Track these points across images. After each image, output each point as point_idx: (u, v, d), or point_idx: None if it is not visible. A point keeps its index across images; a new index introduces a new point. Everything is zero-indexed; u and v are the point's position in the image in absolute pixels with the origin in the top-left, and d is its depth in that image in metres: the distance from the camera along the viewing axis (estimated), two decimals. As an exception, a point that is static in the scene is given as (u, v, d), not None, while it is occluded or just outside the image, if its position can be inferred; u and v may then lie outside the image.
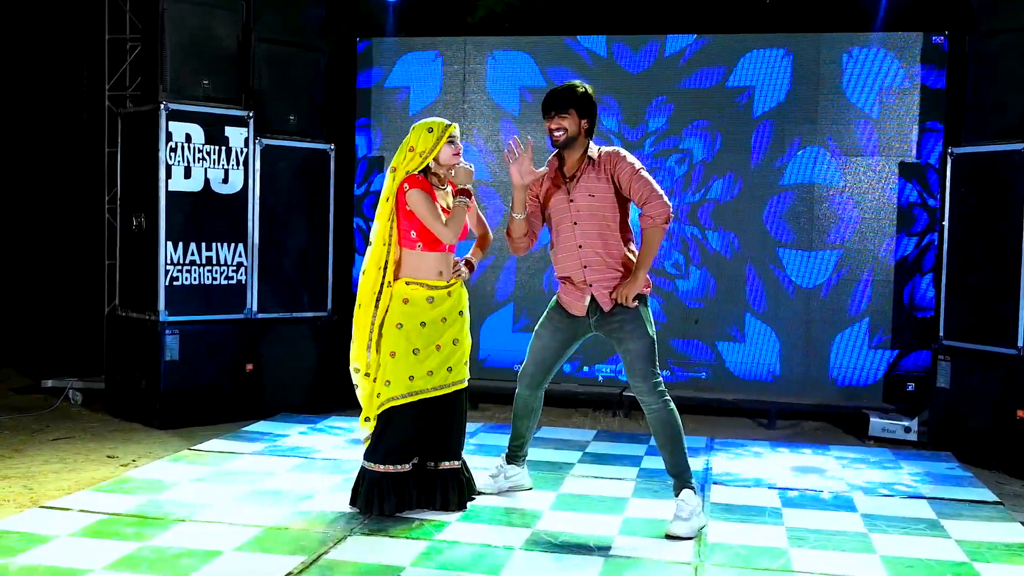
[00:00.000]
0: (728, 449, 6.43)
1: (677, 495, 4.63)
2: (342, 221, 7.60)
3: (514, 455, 5.23)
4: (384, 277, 4.81)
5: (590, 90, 4.80)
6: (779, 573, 4.11)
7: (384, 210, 4.83)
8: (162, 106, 6.63)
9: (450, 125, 4.85)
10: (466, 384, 4.94)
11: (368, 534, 4.46)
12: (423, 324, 4.78)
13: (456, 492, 4.89)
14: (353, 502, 4.84)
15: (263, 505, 4.86)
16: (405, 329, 4.76)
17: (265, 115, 7.18)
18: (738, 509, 5.02)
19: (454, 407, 4.89)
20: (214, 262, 6.91)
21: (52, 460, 5.78)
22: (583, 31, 7.97)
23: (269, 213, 7.20)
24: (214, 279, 6.91)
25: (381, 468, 4.76)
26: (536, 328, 5.03)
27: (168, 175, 6.68)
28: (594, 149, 4.80)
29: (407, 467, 4.82)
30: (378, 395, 4.79)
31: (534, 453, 6.05)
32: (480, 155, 8.10)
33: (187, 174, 6.77)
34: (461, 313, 4.91)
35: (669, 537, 4.50)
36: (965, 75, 6.64)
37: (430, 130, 4.81)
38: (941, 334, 6.59)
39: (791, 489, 5.45)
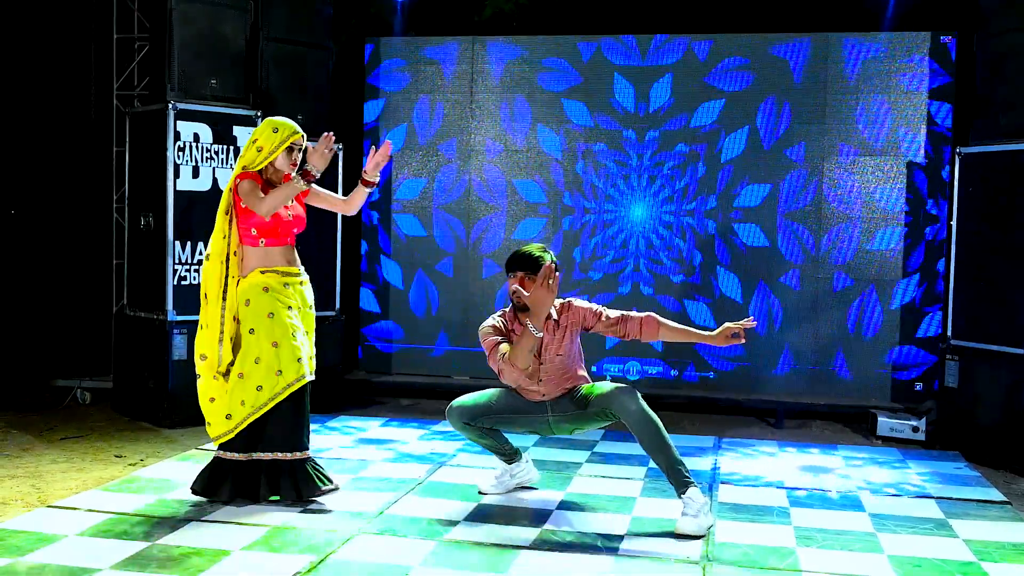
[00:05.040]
0: (736, 448, 6.42)
1: (683, 493, 4.61)
2: (350, 221, 7.60)
3: (508, 459, 5.23)
4: (228, 271, 4.84)
5: (554, 258, 4.83)
6: (787, 572, 4.11)
7: (223, 202, 4.86)
8: (170, 105, 6.64)
9: (296, 133, 4.83)
10: (311, 376, 4.91)
11: (376, 533, 4.47)
12: (290, 308, 4.84)
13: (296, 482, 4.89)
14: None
15: (271, 504, 4.86)
16: (277, 316, 4.79)
17: (273, 114, 7.13)
18: (746, 508, 5.02)
19: (302, 401, 4.89)
20: (222, 261, 6.91)
21: (60, 459, 5.79)
22: (591, 30, 7.97)
23: (277, 212, 7.20)
24: (222, 278, 6.92)
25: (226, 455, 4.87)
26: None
27: (176, 174, 6.70)
28: (553, 308, 4.88)
29: (246, 456, 4.87)
30: (259, 388, 4.76)
31: (542, 452, 6.06)
32: (488, 155, 8.11)
33: (195, 173, 6.78)
34: (311, 308, 5.00)
35: (678, 535, 4.50)
36: (973, 75, 6.63)
37: (275, 130, 4.81)
38: (949, 333, 6.58)
39: (799, 488, 5.45)
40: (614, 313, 4.89)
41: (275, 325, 4.78)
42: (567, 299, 4.95)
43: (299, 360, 4.78)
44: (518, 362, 4.64)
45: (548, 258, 4.78)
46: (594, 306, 4.93)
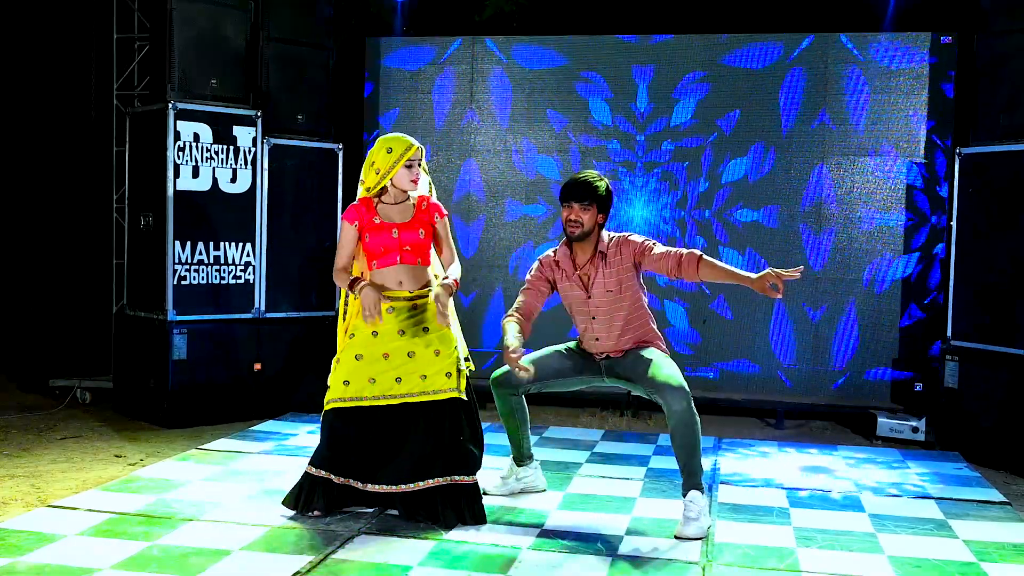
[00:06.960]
0: (736, 449, 6.42)
1: (686, 495, 4.61)
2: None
3: (520, 458, 5.22)
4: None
5: (609, 187, 4.79)
6: (786, 573, 4.11)
7: None
8: (170, 105, 6.64)
9: (411, 148, 4.72)
10: (436, 397, 4.68)
11: (375, 533, 4.47)
12: (375, 334, 4.72)
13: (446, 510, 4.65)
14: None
15: (271, 504, 4.86)
16: (356, 338, 4.75)
17: (273, 114, 7.19)
18: (746, 509, 5.02)
19: (416, 422, 4.71)
20: (222, 261, 6.92)
21: (60, 459, 5.79)
22: (592, 30, 7.97)
23: (277, 212, 7.21)
24: (222, 278, 6.93)
25: (312, 470, 4.74)
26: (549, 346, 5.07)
27: (176, 174, 6.70)
28: (603, 240, 4.80)
29: (341, 480, 4.70)
30: None
31: (542, 453, 6.05)
32: (488, 156, 8.10)
33: (195, 173, 6.78)
34: (426, 330, 4.74)
35: (679, 538, 4.49)
36: (973, 75, 6.63)
37: (389, 150, 4.71)
38: (949, 334, 6.57)
39: (799, 489, 5.45)
40: (659, 248, 4.72)
41: (348, 345, 4.78)
42: (624, 233, 4.82)
43: (344, 383, 4.70)
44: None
45: (603, 186, 4.71)
46: (647, 240, 4.76)
